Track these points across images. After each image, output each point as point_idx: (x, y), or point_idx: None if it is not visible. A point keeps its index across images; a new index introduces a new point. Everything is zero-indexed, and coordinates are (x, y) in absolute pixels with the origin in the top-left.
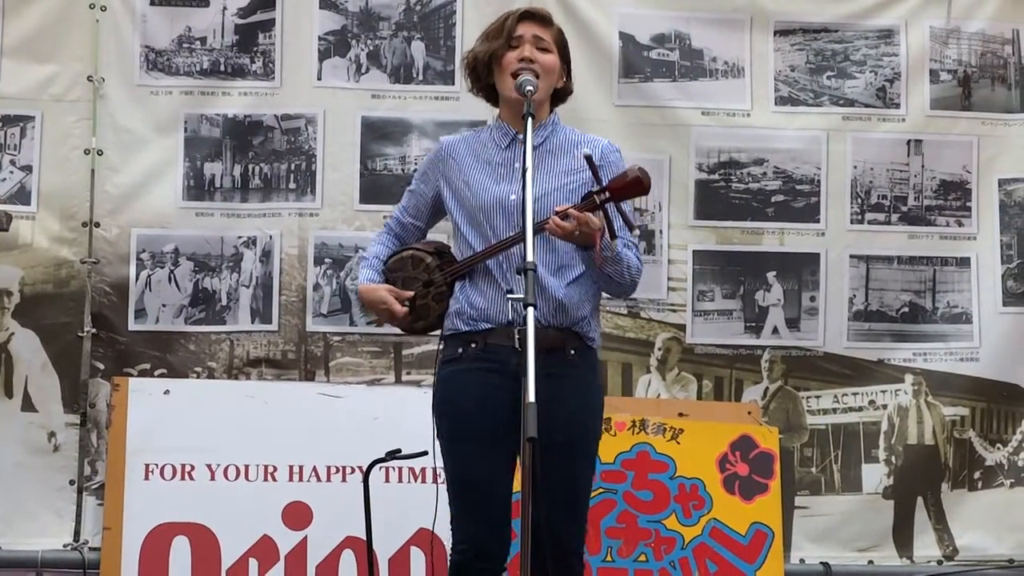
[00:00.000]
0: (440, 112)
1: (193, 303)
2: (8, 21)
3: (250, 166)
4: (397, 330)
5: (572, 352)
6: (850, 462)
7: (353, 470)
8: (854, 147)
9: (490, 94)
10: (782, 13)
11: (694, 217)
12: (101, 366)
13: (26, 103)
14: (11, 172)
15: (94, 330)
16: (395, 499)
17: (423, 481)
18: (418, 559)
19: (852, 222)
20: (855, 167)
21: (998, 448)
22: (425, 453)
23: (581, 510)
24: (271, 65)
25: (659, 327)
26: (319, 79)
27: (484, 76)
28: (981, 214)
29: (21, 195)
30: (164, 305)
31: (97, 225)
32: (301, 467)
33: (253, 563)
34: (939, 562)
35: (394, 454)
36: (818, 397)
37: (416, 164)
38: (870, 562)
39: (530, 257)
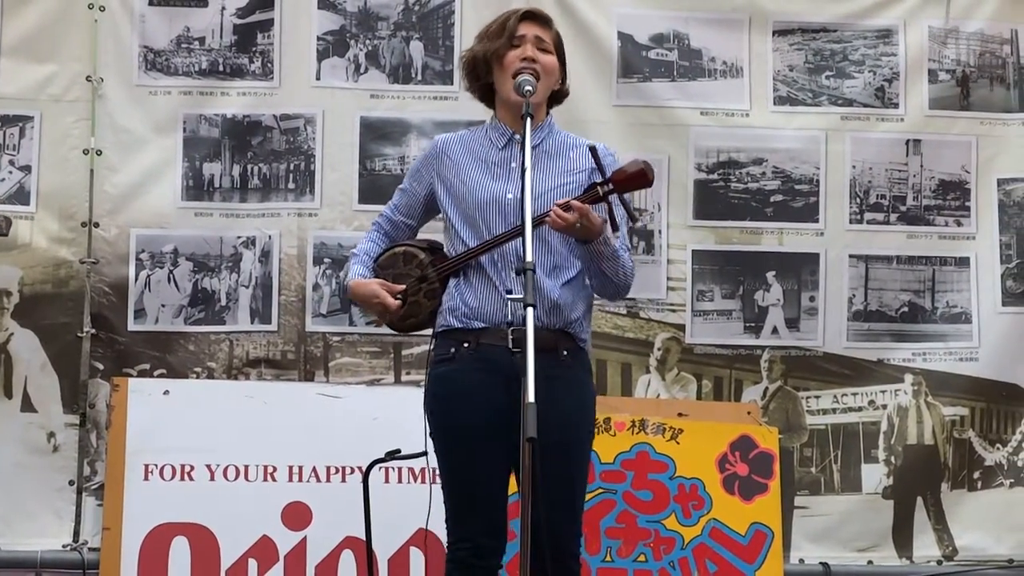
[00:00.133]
0: (439, 112)
1: (192, 303)
2: (7, 21)
3: (249, 166)
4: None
5: (565, 353)
6: (850, 462)
7: (352, 470)
8: (853, 147)
9: (486, 94)
10: (781, 13)
11: (693, 217)
12: (100, 366)
13: (25, 103)
14: (10, 172)
15: (93, 330)
16: (395, 499)
17: (422, 481)
18: (417, 559)
19: (851, 222)
20: (854, 167)
21: (997, 448)
22: (424, 454)
23: (578, 512)
24: (270, 65)
25: (658, 327)
26: (318, 79)
27: (483, 75)
28: (980, 214)
29: (20, 195)
30: (163, 305)
31: (96, 225)
32: (300, 467)
33: (252, 563)
34: (939, 562)
35: (393, 454)
36: (817, 397)
37: None
38: (869, 562)
39: (529, 257)
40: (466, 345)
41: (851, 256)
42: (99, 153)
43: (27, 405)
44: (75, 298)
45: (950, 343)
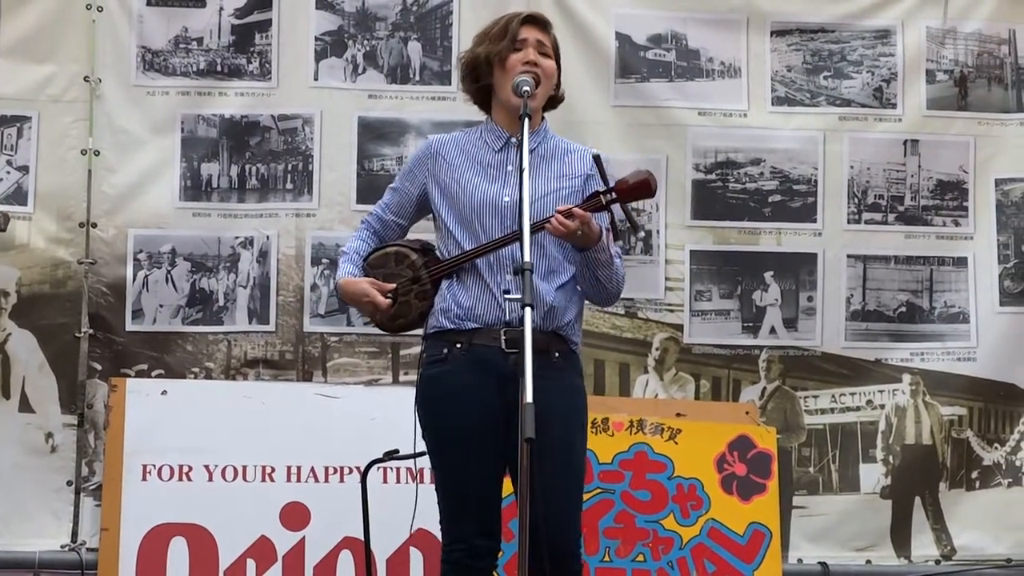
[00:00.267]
0: (437, 112)
1: (190, 303)
2: (5, 21)
3: (247, 166)
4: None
5: (557, 355)
6: (848, 462)
7: (351, 470)
8: (851, 147)
9: (482, 96)
10: (778, 13)
11: (691, 217)
12: (98, 367)
13: (23, 103)
14: (8, 172)
15: (91, 331)
16: (393, 500)
17: (421, 482)
18: (417, 559)
19: (849, 222)
20: (852, 167)
21: (996, 448)
22: (423, 454)
23: (576, 512)
24: (268, 65)
25: (656, 327)
26: (316, 79)
27: (483, 77)
28: (978, 214)
29: (18, 195)
30: (161, 305)
31: (94, 225)
32: (299, 468)
33: (251, 564)
34: (937, 562)
35: (392, 454)
36: (816, 397)
37: None
38: (868, 562)
39: (527, 258)
40: (458, 346)
41: (849, 256)
42: (97, 153)
43: (25, 405)
44: (73, 298)
45: (948, 343)
